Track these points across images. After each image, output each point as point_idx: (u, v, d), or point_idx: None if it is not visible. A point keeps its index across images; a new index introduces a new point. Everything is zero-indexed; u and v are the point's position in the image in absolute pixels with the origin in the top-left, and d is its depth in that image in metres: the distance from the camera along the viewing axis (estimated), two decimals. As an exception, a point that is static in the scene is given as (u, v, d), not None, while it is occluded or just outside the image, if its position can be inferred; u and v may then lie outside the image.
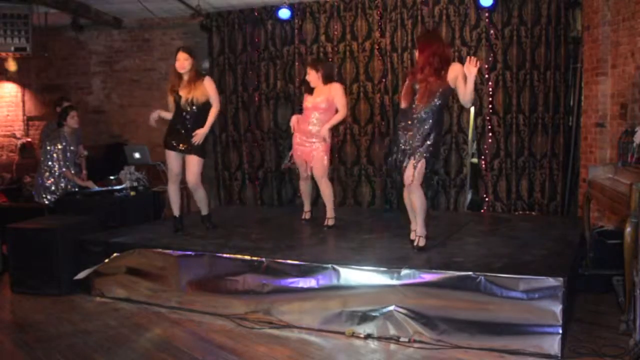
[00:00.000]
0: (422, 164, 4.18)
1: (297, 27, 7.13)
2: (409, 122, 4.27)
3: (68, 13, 7.16)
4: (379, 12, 6.80)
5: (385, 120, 6.84)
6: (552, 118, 6.36)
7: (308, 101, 5.35)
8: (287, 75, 7.26)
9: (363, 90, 6.88)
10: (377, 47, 6.84)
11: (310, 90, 5.35)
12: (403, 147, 4.28)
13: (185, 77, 5.05)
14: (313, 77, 5.28)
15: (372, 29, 6.87)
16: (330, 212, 5.38)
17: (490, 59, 6.40)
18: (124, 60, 8.41)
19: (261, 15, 7.32)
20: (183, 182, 5.33)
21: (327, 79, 5.29)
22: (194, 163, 5.10)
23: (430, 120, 4.20)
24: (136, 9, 7.39)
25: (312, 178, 5.45)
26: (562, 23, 6.27)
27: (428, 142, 4.19)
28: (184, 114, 5.06)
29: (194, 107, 5.05)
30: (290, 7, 6.97)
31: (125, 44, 8.37)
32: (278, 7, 6.95)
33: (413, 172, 4.17)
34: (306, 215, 5.76)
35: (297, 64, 7.18)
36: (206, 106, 5.09)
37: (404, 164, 4.24)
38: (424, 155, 4.18)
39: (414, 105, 4.26)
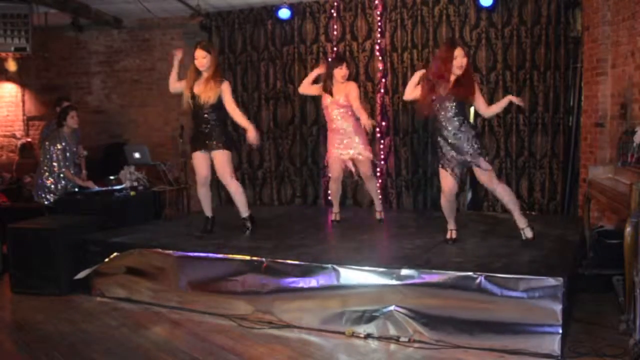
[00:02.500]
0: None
1: (296, 27, 7.15)
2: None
3: (68, 13, 7.15)
4: (378, 12, 6.80)
5: (386, 120, 6.84)
6: (552, 118, 6.36)
7: (327, 99, 5.39)
8: (287, 75, 7.27)
9: (363, 90, 6.87)
10: (377, 47, 6.84)
11: (331, 90, 5.37)
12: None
13: (205, 75, 4.95)
14: (345, 73, 5.36)
15: (372, 29, 6.87)
16: (379, 205, 5.67)
17: (490, 59, 6.40)
18: (124, 60, 8.41)
19: (261, 15, 7.32)
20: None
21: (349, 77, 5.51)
22: (220, 157, 5.02)
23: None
24: (136, 9, 7.39)
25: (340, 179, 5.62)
26: (562, 23, 6.27)
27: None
28: (203, 113, 4.98)
29: (209, 107, 4.96)
30: (290, 7, 6.98)
31: (125, 44, 8.38)
32: (278, 7, 6.96)
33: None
34: (336, 217, 5.72)
35: (296, 63, 7.19)
36: (220, 105, 4.99)
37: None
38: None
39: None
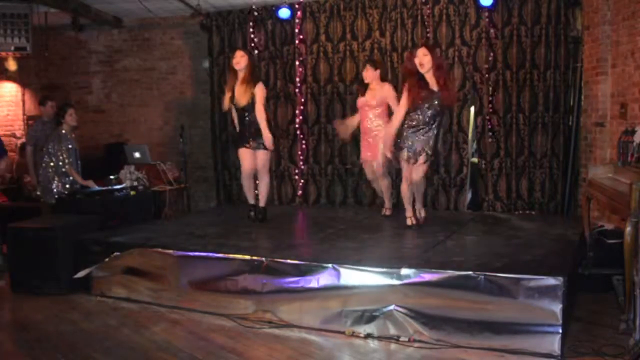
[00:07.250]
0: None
1: (297, 27, 7.14)
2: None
3: (68, 12, 7.15)
4: (379, 12, 6.80)
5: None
6: (552, 117, 6.36)
7: (361, 101, 5.64)
8: (287, 75, 7.26)
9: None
10: (377, 46, 6.84)
11: (364, 91, 5.59)
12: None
13: (241, 75, 5.33)
14: (371, 74, 5.55)
15: (372, 28, 6.87)
16: (388, 202, 5.94)
17: (490, 58, 6.40)
18: (124, 59, 8.41)
19: (261, 14, 7.32)
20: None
21: (383, 79, 5.64)
22: (262, 156, 5.49)
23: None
24: (136, 9, 7.39)
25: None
26: (562, 22, 6.27)
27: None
28: (243, 114, 5.39)
29: (246, 108, 5.32)
30: (290, 6, 6.97)
31: (126, 43, 8.38)
32: (278, 7, 6.95)
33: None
34: (385, 212, 5.98)
35: (297, 63, 7.19)
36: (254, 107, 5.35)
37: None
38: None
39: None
